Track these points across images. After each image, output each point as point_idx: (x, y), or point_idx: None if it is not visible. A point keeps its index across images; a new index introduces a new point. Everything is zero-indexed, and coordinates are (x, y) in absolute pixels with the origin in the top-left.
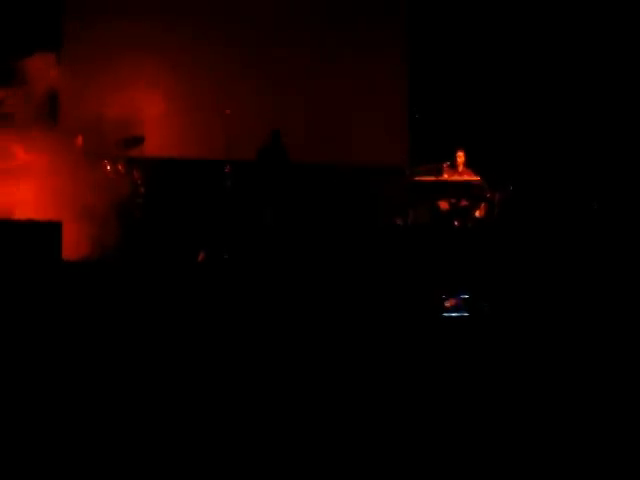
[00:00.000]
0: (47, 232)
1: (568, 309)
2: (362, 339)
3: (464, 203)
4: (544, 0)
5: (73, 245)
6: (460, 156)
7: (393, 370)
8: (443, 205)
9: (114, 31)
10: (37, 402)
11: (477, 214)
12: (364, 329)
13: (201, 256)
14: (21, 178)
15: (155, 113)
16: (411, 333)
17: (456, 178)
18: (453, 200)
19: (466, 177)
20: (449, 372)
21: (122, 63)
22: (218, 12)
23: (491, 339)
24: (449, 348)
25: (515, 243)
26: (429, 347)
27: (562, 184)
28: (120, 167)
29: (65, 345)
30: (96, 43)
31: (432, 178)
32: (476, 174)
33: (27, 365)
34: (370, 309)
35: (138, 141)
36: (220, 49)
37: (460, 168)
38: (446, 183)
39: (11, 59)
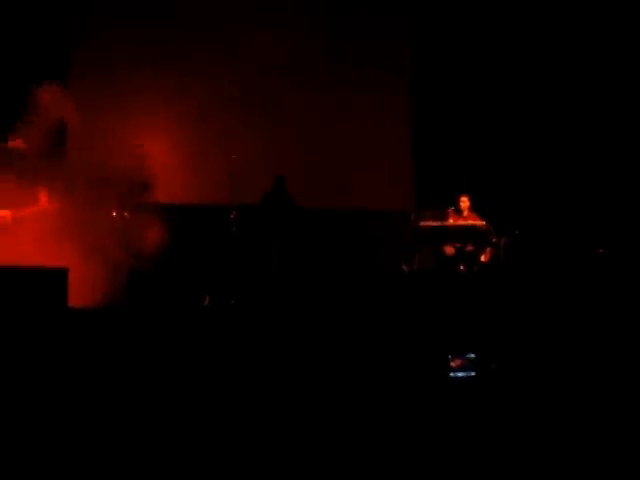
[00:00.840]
0: (53, 279)
1: (577, 362)
2: (365, 394)
3: (470, 248)
4: (546, 44)
5: (80, 291)
6: (464, 201)
7: (395, 432)
8: (449, 250)
9: (121, 75)
10: (41, 449)
11: (483, 259)
12: (367, 384)
13: (207, 301)
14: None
15: (161, 159)
16: (416, 394)
17: (461, 223)
18: (458, 245)
19: (471, 222)
20: (455, 436)
21: (129, 106)
22: (224, 59)
23: (499, 400)
24: (456, 411)
25: (522, 289)
26: (435, 410)
27: (567, 229)
28: (127, 213)
29: (70, 392)
30: (104, 84)
31: (437, 223)
32: (481, 218)
33: (32, 411)
34: (374, 362)
35: (146, 187)
36: (226, 95)
37: (465, 213)
38: (451, 228)
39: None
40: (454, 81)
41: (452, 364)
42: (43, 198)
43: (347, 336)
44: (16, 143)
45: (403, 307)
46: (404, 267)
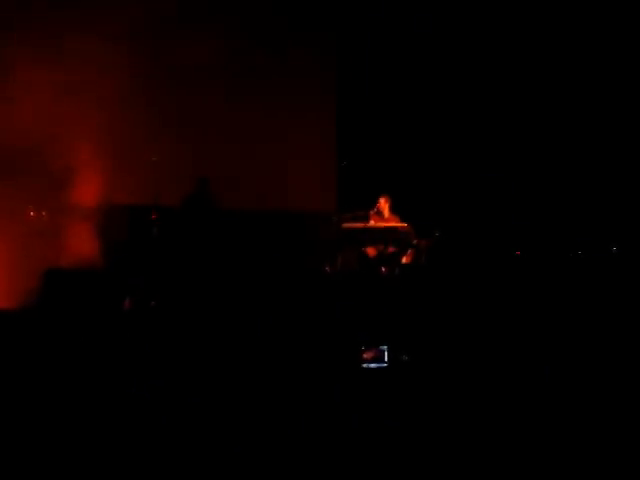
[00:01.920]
0: None
1: (491, 357)
2: (282, 387)
3: (391, 250)
4: (469, 47)
5: None
6: (384, 202)
7: (309, 420)
8: (370, 251)
9: (30, 71)
10: None
11: (404, 260)
12: (284, 376)
13: (127, 304)
14: None
15: (81, 157)
16: (329, 384)
17: (383, 224)
18: (380, 246)
19: (392, 223)
20: (368, 424)
21: (41, 105)
22: (145, 58)
23: (411, 390)
24: (368, 399)
25: (441, 289)
26: (347, 396)
27: (487, 230)
28: (44, 214)
29: None
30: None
31: (359, 225)
32: (402, 220)
33: None
34: (292, 356)
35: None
36: (150, 95)
37: (386, 214)
38: (373, 229)
39: None
40: (377, 83)
41: (365, 356)
42: None
43: (265, 333)
44: None
45: (323, 305)
46: (327, 268)
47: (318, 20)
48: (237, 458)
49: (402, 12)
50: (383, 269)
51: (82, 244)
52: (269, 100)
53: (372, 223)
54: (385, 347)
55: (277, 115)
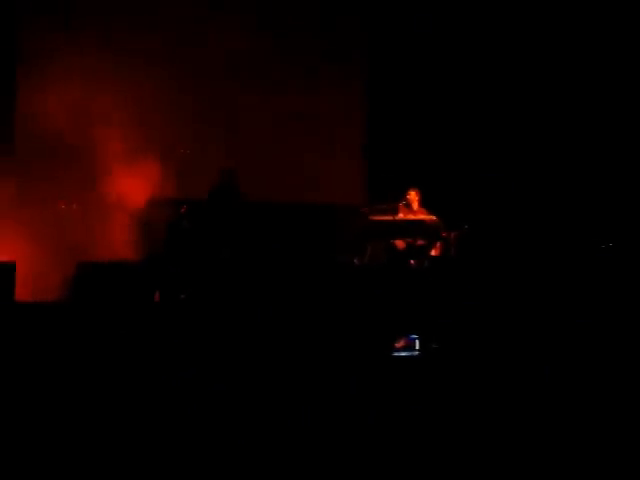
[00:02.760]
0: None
1: (522, 348)
2: (314, 378)
3: (420, 242)
4: (499, 44)
5: (27, 285)
6: (414, 195)
7: (341, 408)
8: (399, 244)
9: (67, 65)
10: None
11: (433, 253)
12: (316, 367)
13: (157, 296)
14: None
15: (109, 152)
16: (361, 372)
17: (411, 217)
18: (409, 239)
19: (421, 216)
20: (400, 412)
21: (74, 96)
22: (171, 52)
23: (441, 378)
24: (399, 387)
25: (471, 281)
26: (379, 385)
27: (518, 223)
28: (75, 206)
29: (14, 387)
30: (50, 77)
31: (388, 217)
32: (431, 213)
33: None
34: (324, 348)
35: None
36: (175, 88)
37: (415, 207)
38: (402, 222)
39: None
40: (407, 77)
41: (396, 344)
42: None
43: (296, 325)
44: None
45: (353, 297)
46: (355, 261)
47: (350, 8)
48: (270, 446)
49: (434, 3)
50: (412, 262)
51: (114, 237)
52: (299, 92)
53: (401, 216)
54: (416, 336)
55: (307, 107)
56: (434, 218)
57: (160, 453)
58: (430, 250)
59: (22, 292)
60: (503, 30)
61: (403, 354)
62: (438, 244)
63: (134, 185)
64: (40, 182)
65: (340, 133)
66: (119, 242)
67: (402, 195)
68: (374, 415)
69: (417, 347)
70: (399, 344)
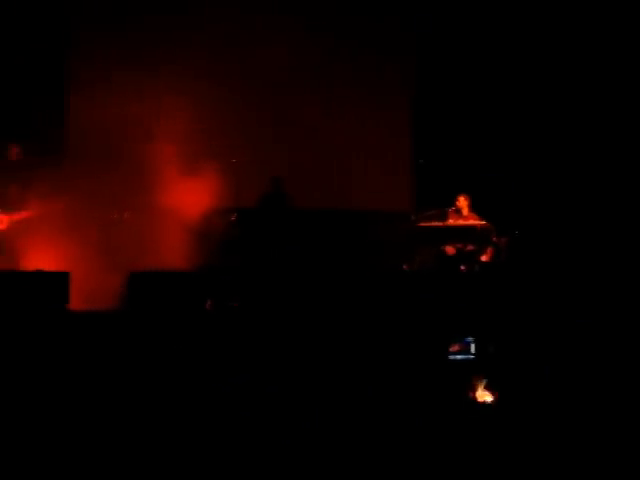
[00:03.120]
0: (54, 282)
1: (574, 352)
2: (368, 384)
3: (470, 248)
4: (546, 42)
5: (81, 295)
6: (463, 200)
7: (400, 414)
8: (449, 250)
9: (119, 78)
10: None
11: (483, 258)
12: (370, 374)
13: (209, 304)
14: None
15: (162, 164)
16: (417, 377)
17: (461, 223)
18: (459, 245)
19: (471, 221)
20: (456, 415)
21: (126, 109)
22: (224, 66)
23: (497, 381)
24: (456, 392)
25: (522, 287)
26: (435, 390)
27: (569, 227)
28: (126, 215)
29: (69, 395)
30: (101, 90)
31: (437, 223)
32: (481, 218)
33: (31, 413)
34: (377, 353)
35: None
36: (224, 97)
37: (465, 212)
38: (451, 228)
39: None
40: (454, 81)
41: (452, 348)
42: (35, 203)
43: (349, 333)
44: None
45: (404, 304)
46: (405, 267)
47: (396, 16)
48: (329, 451)
49: (481, 9)
50: (462, 268)
51: (167, 246)
52: (344, 99)
53: (451, 221)
54: (472, 339)
55: (353, 113)
56: (485, 223)
57: (216, 457)
58: (480, 256)
59: (76, 301)
60: (554, 40)
61: (459, 358)
62: (489, 250)
63: (188, 195)
64: (92, 192)
65: (386, 138)
66: (172, 251)
67: (450, 201)
68: (430, 418)
69: (473, 350)
70: (454, 348)
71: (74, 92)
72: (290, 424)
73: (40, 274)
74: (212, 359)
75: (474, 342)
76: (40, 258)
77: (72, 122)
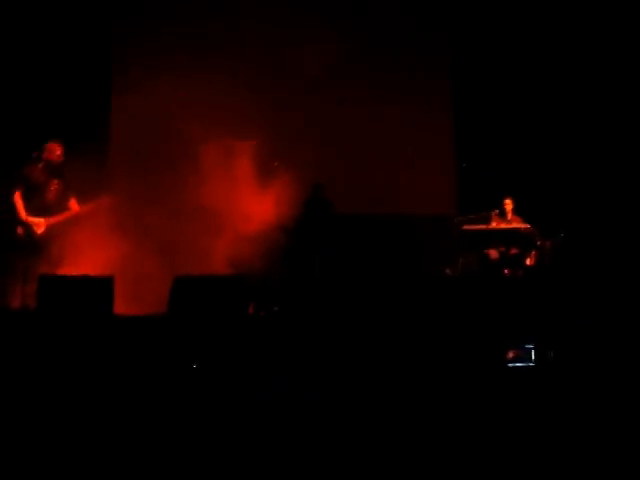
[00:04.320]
0: (99, 287)
1: (630, 353)
2: (419, 393)
3: (514, 251)
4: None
5: (126, 300)
6: (508, 203)
7: (459, 426)
8: (493, 254)
9: (164, 77)
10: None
11: (528, 262)
12: (421, 382)
13: (251, 308)
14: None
15: (206, 166)
16: (476, 385)
17: (505, 226)
18: (503, 248)
19: (515, 225)
20: (518, 424)
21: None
22: (264, 68)
23: (559, 388)
24: (516, 399)
25: (568, 291)
26: (496, 399)
27: (614, 230)
28: (172, 219)
29: (114, 399)
30: (147, 90)
31: (481, 227)
32: (525, 221)
33: (74, 417)
34: (426, 361)
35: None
36: (267, 104)
37: (509, 216)
38: (495, 231)
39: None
40: (496, 83)
41: (510, 355)
42: (74, 205)
43: (394, 338)
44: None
45: (450, 309)
46: (448, 271)
47: (433, 18)
48: (374, 457)
49: (519, 10)
50: (506, 271)
51: (213, 250)
52: (386, 102)
53: (494, 225)
54: (532, 346)
55: (396, 118)
56: (529, 226)
57: (255, 461)
58: (525, 259)
59: (120, 306)
60: (594, 41)
61: (518, 365)
62: (533, 253)
63: (236, 198)
64: (137, 194)
65: (429, 142)
66: (216, 256)
67: (493, 204)
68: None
69: (533, 357)
70: (511, 355)
71: (120, 91)
72: (331, 429)
73: (85, 279)
74: (253, 362)
75: (534, 349)
76: (82, 261)
77: (117, 122)
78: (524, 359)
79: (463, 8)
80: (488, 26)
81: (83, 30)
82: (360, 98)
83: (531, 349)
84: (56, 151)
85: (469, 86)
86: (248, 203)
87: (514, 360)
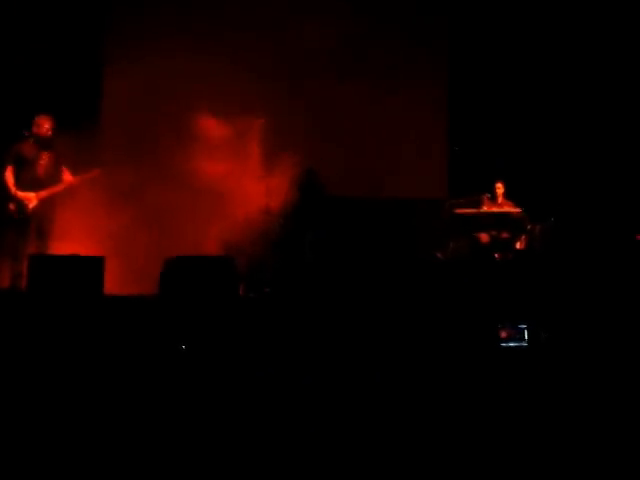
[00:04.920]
0: (89, 266)
1: (617, 337)
2: (413, 376)
3: (505, 235)
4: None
5: (116, 279)
6: (499, 187)
7: (452, 404)
8: (483, 237)
9: (154, 51)
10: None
11: (518, 246)
12: (413, 362)
13: (242, 290)
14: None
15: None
16: (469, 364)
17: (496, 210)
18: (493, 232)
19: (506, 209)
20: (510, 403)
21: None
22: (261, 49)
23: (551, 369)
24: (510, 379)
25: (558, 275)
26: (490, 378)
27: (604, 214)
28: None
29: (102, 380)
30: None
31: (472, 210)
32: (516, 206)
33: (63, 398)
34: (418, 342)
35: None
36: (265, 88)
37: (500, 200)
38: (486, 215)
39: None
40: (489, 69)
41: (502, 334)
42: (67, 176)
43: (387, 321)
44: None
45: (441, 291)
46: (438, 255)
47: (432, 3)
48: (366, 442)
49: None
50: (497, 255)
51: (202, 232)
52: (379, 87)
53: (485, 208)
54: (524, 326)
55: (387, 101)
56: (519, 211)
57: (246, 445)
58: (515, 243)
59: (111, 286)
60: (587, 30)
61: (512, 345)
62: (523, 237)
63: (226, 179)
64: (128, 177)
65: (421, 126)
66: (208, 237)
67: (484, 188)
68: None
69: (526, 337)
70: (504, 334)
71: (112, 64)
72: (323, 411)
73: (75, 258)
74: (243, 344)
75: (527, 329)
76: (73, 237)
77: (108, 94)
78: (517, 339)
79: None
80: (485, 13)
81: (75, 5)
82: (355, 82)
83: (524, 329)
84: (45, 124)
85: (463, 71)
86: (242, 185)
87: (507, 340)
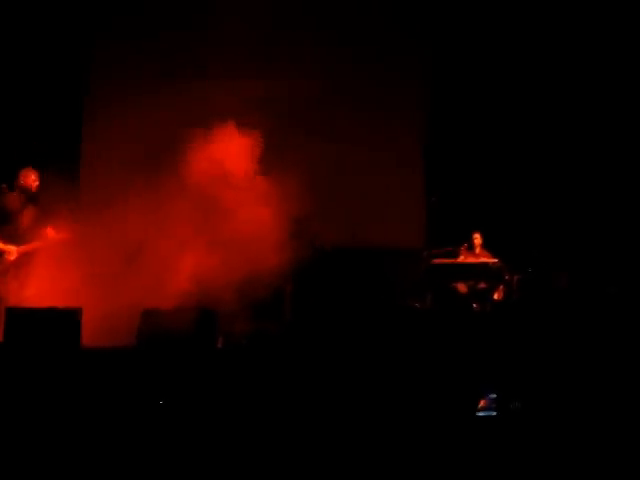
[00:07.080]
0: (66, 320)
1: (596, 396)
2: (385, 427)
3: (482, 285)
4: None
5: (93, 332)
6: (477, 238)
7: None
8: (461, 288)
9: (135, 107)
10: None
11: (496, 296)
12: (387, 416)
13: (220, 342)
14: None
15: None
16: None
17: (473, 260)
18: (471, 282)
19: (483, 259)
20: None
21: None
22: (236, 91)
23: (525, 439)
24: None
25: (536, 326)
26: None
27: (581, 266)
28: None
29: (80, 430)
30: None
31: (449, 260)
32: (494, 256)
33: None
34: (393, 396)
35: None
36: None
37: (477, 250)
38: (463, 265)
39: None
40: (465, 119)
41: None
42: (50, 233)
43: (365, 374)
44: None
45: (418, 345)
46: (416, 304)
47: (405, 65)
48: None
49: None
50: (474, 305)
51: (178, 285)
52: (356, 137)
53: (462, 259)
54: (495, 395)
55: (365, 152)
56: (496, 261)
57: None
58: (493, 293)
59: (88, 338)
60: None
61: (481, 414)
62: (501, 287)
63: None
64: (107, 224)
65: (400, 176)
66: (183, 290)
67: (461, 238)
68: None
69: (495, 406)
70: (481, 403)
71: (90, 121)
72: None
73: (52, 311)
74: (221, 395)
75: (497, 398)
76: (52, 291)
77: (88, 151)
78: (488, 408)
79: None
80: (463, 58)
81: (55, 60)
82: (329, 133)
83: (495, 399)
84: (30, 177)
85: (440, 122)
86: (224, 234)
87: (480, 409)
